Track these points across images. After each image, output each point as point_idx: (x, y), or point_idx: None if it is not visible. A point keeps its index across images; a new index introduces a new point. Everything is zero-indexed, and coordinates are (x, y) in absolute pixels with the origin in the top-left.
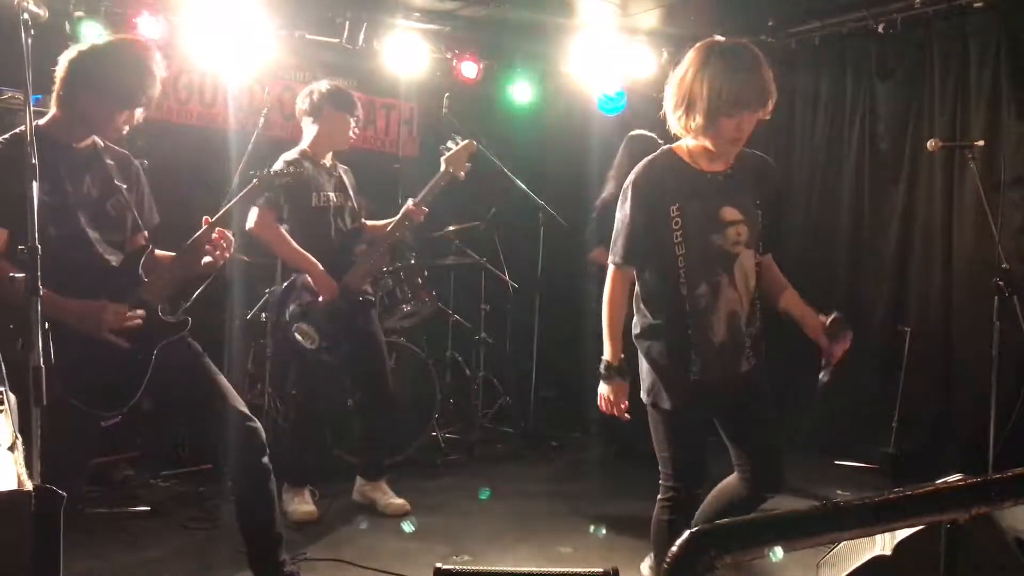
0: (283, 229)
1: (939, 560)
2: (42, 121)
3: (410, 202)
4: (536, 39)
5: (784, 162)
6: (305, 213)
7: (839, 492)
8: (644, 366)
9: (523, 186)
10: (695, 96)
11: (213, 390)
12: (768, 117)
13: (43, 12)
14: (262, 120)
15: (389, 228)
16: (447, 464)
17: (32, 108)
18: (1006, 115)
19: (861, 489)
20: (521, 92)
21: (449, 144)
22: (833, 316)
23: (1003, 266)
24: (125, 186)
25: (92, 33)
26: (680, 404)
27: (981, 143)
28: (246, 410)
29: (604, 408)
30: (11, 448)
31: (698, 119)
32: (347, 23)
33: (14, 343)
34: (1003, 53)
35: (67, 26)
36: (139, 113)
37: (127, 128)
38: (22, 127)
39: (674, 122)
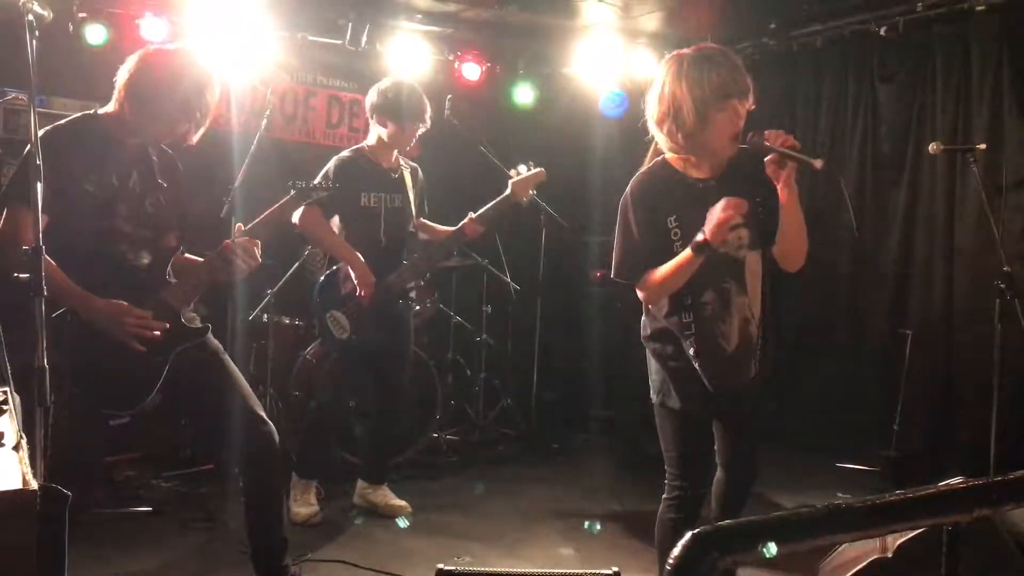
0: (335, 223)
1: (940, 563)
2: (101, 111)
3: (469, 217)
4: (538, 41)
5: None
6: (353, 212)
7: (840, 494)
8: (653, 365)
9: None
10: (680, 100)
11: (229, 390)
12: (753, 107)
13: (47, 13)
14: (265, 122)
15: (443, 242)
16: (448, 465)
17: (36, 109)
18: (1008, 118)
19: (862, 491)
20: (523, 94)
21: (520, 168)
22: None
23: (1004, 269)
24: (166, 185)
25: (95, 35)
26: (689, 406)
27: (983, 146)
28: (262, 412)
29: (730, 214)
30: (16, 448)
31: (688, 121)
32: (350, 25)
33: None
34: (1005, 56)
35: (71, 27)
36: (183, 129)
37: (168, 141)
38: (72, 116)
39: (661, 138)
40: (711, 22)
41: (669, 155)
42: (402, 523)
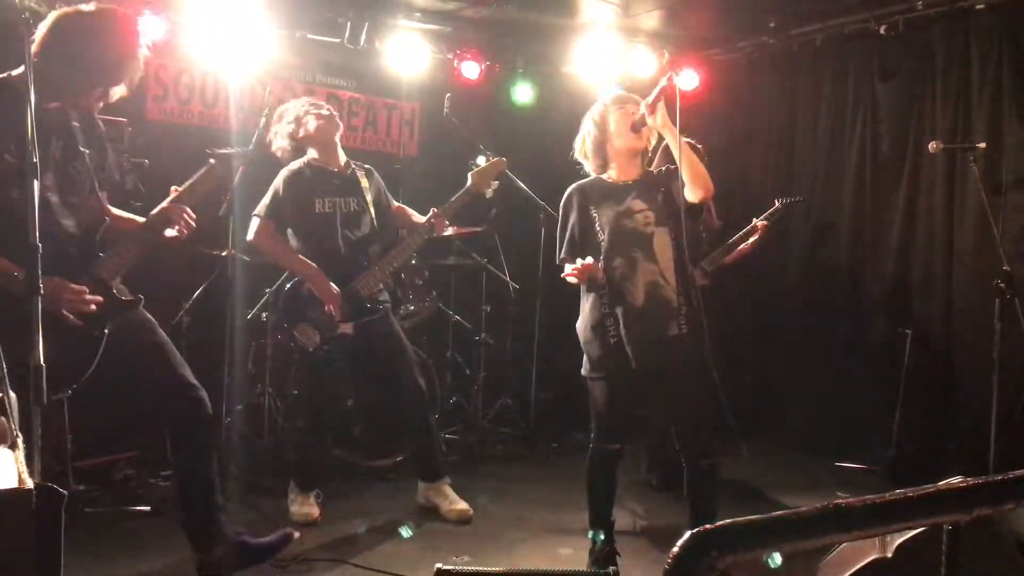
0: (292, 238)
1: (940, 563)
2: (14, 73)
3: (432, 213)
4: (538, 40)
5: (785, 163)
6: (308, 219)
7: (840, 494)
8: (584, 347)
9: (524, 187)
10: (586, 123)
11: (155, 359)
12: (637, 118)
13: (44, 11)
14: (263, 120)
15: (409, 239)
16: (447, 464)
17: (33, 107)
18: (1007, 117)
19: (862, 491)
20: (522, 93)
21: (479, 160)
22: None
23: (1004, 268)
24: (88, 151)
25: None
26: (608, 366)
27: (982, 145)
28: (192, 379)
29: (579, 272)
30: (12, 446)
31: (594, 132)
32: (349, 23)
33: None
34: (1005, 55)
35: None
36: (116, 92)
37: (100, 104)
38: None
39: (588, 164)
40: (710, 21)
41: (602, 175)
42: (405, 532)
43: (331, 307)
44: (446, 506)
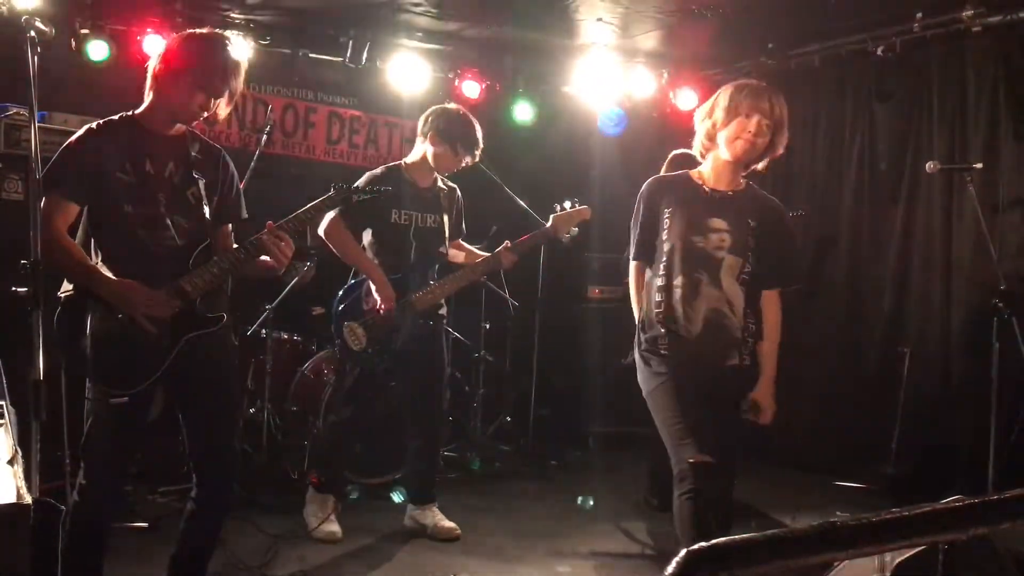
0: (367, 237)
1: None
2: (137, 111)
3: (505, 246)
4: (538, 59)
5: (783, 184)
6: (382, 228)
7: (838, 513)
8: (639, 363)
9: (524, 205)
10: (705, 117)
11: (212, 413)
12: (765, 139)
13: (49, 30)
14: (265, 137)
15: (474, 266)
16: (446, 482)
17: (37, 124)
18: (1004, 138)
19: (860, 510)
20: (522, 112)
21: (566, 204)
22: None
23: (1002, 287)
24: (205, 179)
25: (98, 51)
26: (665, 373)
27: (979, 165)
28: (228, 453)
29: None
30: (11, 462)
31: (717, 119)
32: (350, 42)
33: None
34: (1001, 75)
35: (73, 43)
36: (217, 103)
37: (204, 114)
38: (115, 115)
39: (696, 145)
40: (709, 41)
41: (696, 170)
42: (397, 498)
43: (384, 307)
44: (434, 523)
